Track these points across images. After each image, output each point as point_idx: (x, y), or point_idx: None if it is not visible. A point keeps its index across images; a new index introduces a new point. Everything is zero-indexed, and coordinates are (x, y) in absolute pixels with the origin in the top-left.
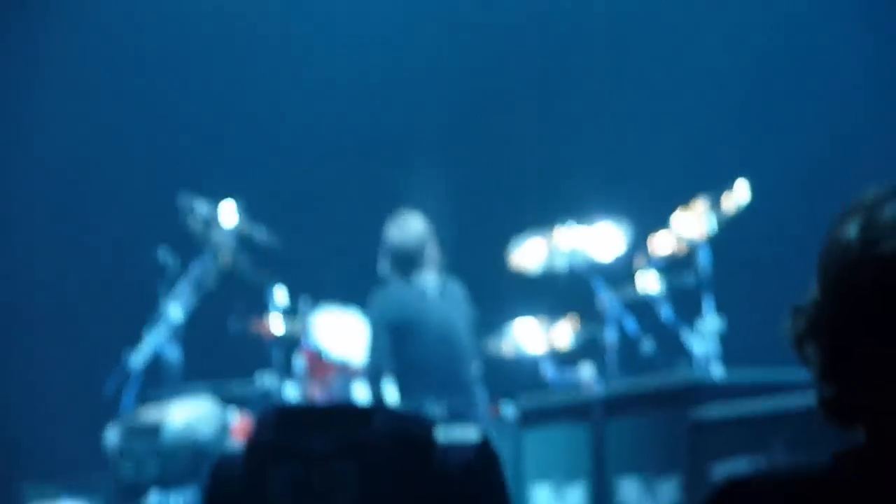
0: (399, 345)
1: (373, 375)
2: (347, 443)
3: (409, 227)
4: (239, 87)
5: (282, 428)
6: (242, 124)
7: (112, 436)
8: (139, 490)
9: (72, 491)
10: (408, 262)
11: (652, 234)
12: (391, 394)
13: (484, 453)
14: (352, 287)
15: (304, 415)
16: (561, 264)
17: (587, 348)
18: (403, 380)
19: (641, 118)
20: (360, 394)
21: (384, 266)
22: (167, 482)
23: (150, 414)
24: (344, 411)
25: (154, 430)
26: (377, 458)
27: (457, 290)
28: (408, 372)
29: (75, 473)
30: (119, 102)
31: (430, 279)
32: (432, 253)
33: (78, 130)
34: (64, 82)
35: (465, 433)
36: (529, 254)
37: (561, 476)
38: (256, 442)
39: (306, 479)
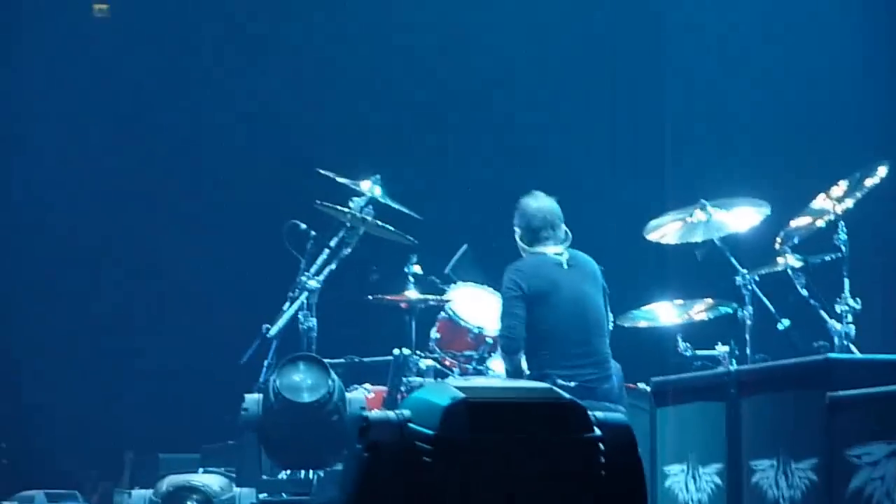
0: (533, 315)
1: (507, 346)
2: (544, 447)
3: (543, 199)
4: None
5: (476, 426)
6: (386, 103)
7: (251, 404)
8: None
9: (209, 461)
10: (542, 230)
11: (792, 216)
12: (524, 365)
13: (623, 440)
14: (487, 266)
15: (497, 412)
16: (699, 241)
17: (724, 326)
18: (536, 351)
19: (784, 101)
20: (496, 366)
21: (518, 235)
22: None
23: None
24: (538, 409)
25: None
26: (567, 460)
27: (591, 264)
28: (541, 343)
29: (213, 443)
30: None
31: (563, 252)
32: (564, 228)
33: (215, 108)
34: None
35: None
36: (667, 232)
37: (695, 455)
38: (449, 439)
39: (507, 483)
